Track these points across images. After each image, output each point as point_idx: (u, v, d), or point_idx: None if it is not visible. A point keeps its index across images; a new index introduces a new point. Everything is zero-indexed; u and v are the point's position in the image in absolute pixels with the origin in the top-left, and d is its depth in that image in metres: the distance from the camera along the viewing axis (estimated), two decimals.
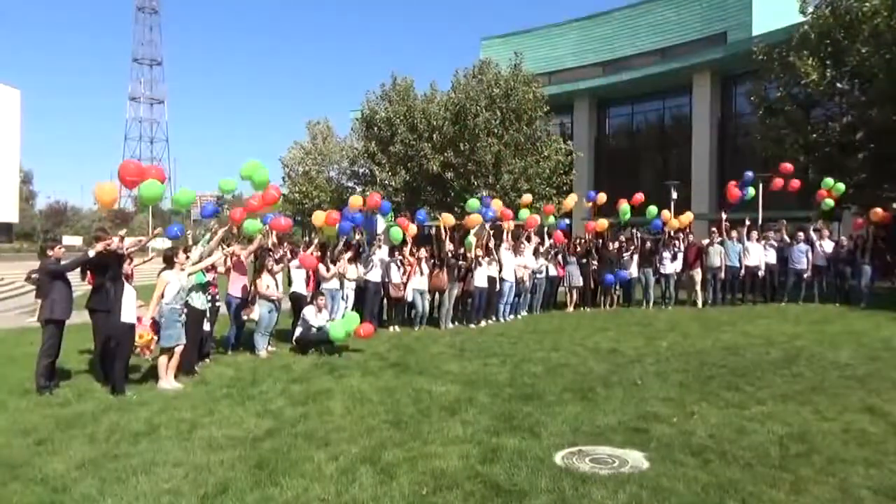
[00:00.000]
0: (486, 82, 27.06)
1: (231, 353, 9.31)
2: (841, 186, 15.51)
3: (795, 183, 15.44)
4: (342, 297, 10.96)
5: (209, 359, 8.67)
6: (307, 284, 10.39)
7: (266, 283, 9.36)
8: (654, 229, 15.64)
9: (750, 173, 15.73)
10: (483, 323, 12.46)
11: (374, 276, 11.45)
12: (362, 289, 11.39)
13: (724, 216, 15.43)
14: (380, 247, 11.64)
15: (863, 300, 14.14)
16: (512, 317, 13.31)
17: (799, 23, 19.75)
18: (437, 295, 12.46)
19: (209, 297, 8.26)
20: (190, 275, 7.57)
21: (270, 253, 9.81)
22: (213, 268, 8.61)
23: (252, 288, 9.53)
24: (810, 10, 19.17)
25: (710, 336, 10.52)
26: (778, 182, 15.58)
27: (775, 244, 15.02)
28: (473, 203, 13.30)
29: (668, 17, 33.64)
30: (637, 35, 34.72)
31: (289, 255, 10.45)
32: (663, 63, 32.78)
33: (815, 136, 18.53)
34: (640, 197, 15.39)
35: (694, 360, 8.55)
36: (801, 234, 15.01)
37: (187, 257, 7.64)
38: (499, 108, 26.43)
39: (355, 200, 11.37)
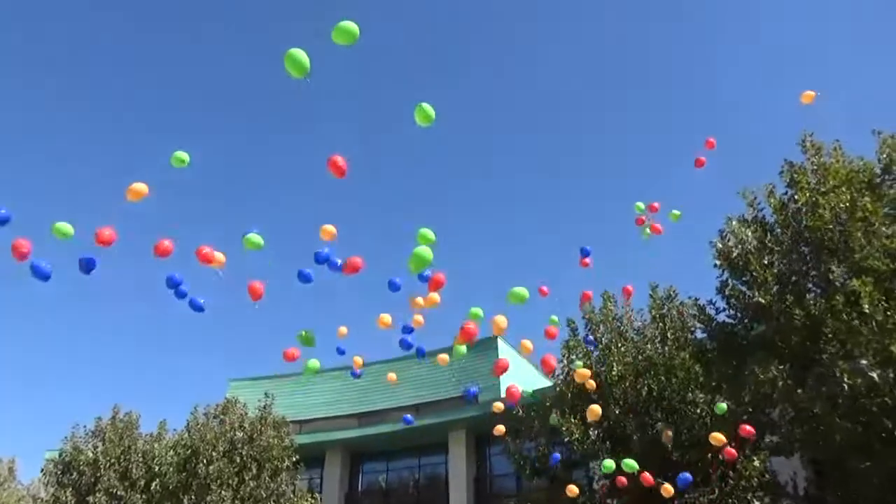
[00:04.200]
0: (229, 423, 23.60)
1: None
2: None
3: None
4: None
5: None
6: None
7: None
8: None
9: None
10: None
11: None
12: None
13: None
14: None
15: None
16: None
17: (553, 385, 20.51)
18: None
19: None
20: None
21: None
22: None
23: None
24: (559, 373, 20.05)
25: None
26: None
27: None
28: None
29: (423, 374, 34.41)
30: (393, 389, 34.56)
31: None
32: (418, 418, 32.31)
33: (582, 499, 17.61)
34: None
35: None
36: None
37: None
38: (239, 455, 22.65)
39: None
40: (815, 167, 14.07)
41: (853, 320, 11.70)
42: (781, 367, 13.26)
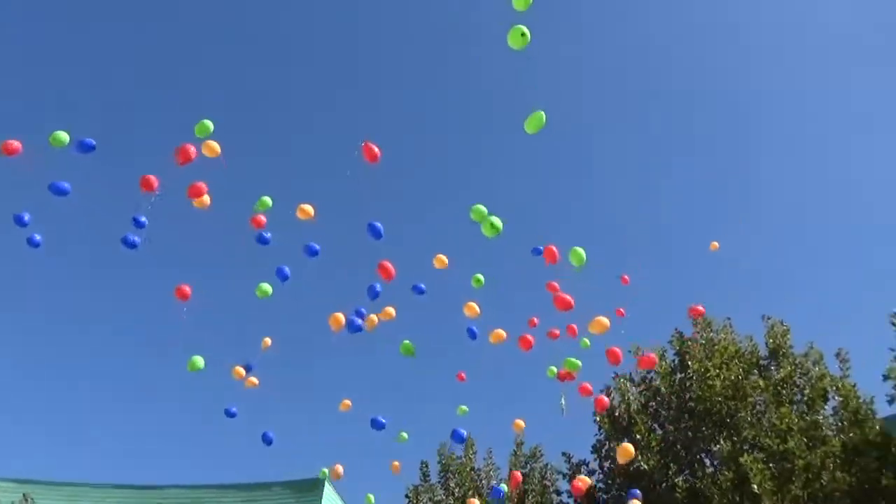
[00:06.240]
0: None
1: None
2: None
3: None
4: None
5: None
6: None
7: None
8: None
9: None
10: None
11: None
12: None
13: None
14: None
15: None
16: None
17: None
18: None
19: None
20: None
21: None
22: None
23: None
24: None
25: None
26: None
27: None
28: None
29: None
30: None
31: None
32: None
33: None
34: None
35: None
36: None
37: None
38: None
39: None
40: (703, 341, 13.94)
41: (740, 499, 10.87)
42: None
